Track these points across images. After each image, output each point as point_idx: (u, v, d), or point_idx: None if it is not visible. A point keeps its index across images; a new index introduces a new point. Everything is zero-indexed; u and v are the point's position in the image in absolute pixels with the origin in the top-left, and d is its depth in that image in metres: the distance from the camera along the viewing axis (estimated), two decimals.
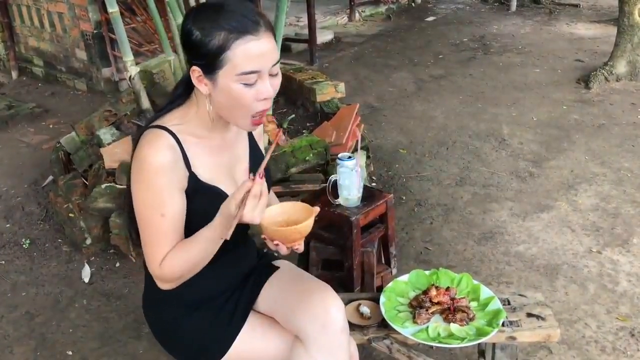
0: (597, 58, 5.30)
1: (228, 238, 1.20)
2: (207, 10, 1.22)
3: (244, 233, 1.56)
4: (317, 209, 1.30)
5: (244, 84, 1.21)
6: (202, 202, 1.32)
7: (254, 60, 1.20)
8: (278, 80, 1.27)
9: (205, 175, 1.33)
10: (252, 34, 1.19)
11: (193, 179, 1.31)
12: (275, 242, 1.27)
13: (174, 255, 1.29)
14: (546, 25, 6.68)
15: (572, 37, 6.15)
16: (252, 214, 1.18)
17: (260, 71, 1.21)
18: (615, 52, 4.79)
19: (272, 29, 1.25)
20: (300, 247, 1.31)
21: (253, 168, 1.45)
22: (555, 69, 5.21)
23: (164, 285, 1.35)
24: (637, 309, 2.35)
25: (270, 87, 1.24)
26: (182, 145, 1.29)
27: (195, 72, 1.23)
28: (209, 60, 1.20)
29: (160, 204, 1.26)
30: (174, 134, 1.28)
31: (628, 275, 2.55)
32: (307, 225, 1.26)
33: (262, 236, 1.30)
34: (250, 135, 1.49)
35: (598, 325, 2.27)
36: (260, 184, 1.19)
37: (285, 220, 1.32)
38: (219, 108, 1.28)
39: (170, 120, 1.31)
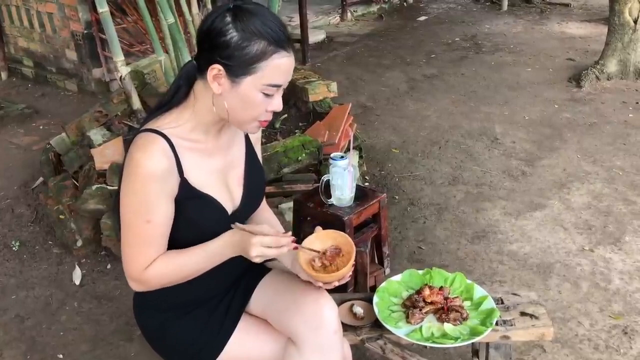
0: (588, 57, 5.32)
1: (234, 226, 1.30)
2: (246, 14, 1.21)
3: None
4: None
5: (265, 94, 1.24)
6: (192, 208, 1.31)
7: (282, 75, 1.24)
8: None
9: (197, 181, 1.32)
10: (286, 49, 1.23)
11: (184, 185, 1.30)
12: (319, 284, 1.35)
13: (166, 262, 1.29)
14: (537, 24, 6.70)
15: (564, 36, 6.17)
16: (257, 244, 1.24)
17: (281, 85, 1.25)
18: (606, 51, 4.81)
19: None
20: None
21: (249, 174, 1.44)
22: (546, 68, 5.22)
23: (138, 287, 1.34)
24: (629, 307, 2.35)
25: (281, 102, 1.27)
26: (175, 150, 1.27)
27: (215, 69, 1.22)
28: (240, 64, 1.20)
29: (147, 210, 1.25)
30: (168, 138, 1.26)
31: (620, 273, 2.56)
32: (350, 266, 1.33)
33: (318, 283, 1.36)
34: (247, 140, 1.47)
35: (591, 323, 2.27)
36: (290, 243, 1.27)
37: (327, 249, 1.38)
38: (228, 108, 1.26)
39: (165, 122, 1.29)
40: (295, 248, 1.30)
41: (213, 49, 1.22)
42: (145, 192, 1.24)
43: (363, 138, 3.84)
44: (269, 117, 1.29)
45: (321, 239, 1.37)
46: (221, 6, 1.24)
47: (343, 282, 1.35)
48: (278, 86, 1.24)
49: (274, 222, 1.57)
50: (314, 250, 1.35)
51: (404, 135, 4.02)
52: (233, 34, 1.19)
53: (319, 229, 1.39)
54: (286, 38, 1.23)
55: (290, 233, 1.30)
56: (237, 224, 1.31)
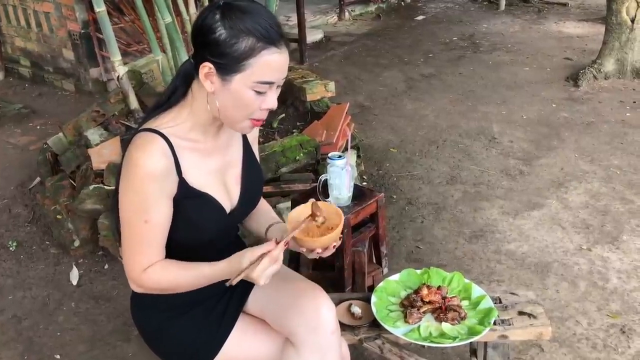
0: (586, 56, 5.33)
1: (233, 284, 1.24)
2: (236, 11, 1.19)
3: (233, 233, 1.54)
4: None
5: (256, 92, 1.22)
6: (190, 208, 1.31)
7: (273, 72, 1.22)
8: (279, 92, 1.28)
9: (196, 181, 1.31)
10: (277, 46, 1.20)
11: (183, 184, 1.29)
12: (303, 249, 1.32)
13: (165, 271, 1.29)
14: (535, 23, 6.70)
15: (561, 35, 6.18)
16: (260, 274, 1.22)
17: (274, 83, 1.23)
18: (604, 51, 4.82)
19: (288, 43, 1.27)
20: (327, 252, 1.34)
21: (247, 173, 1.44)
22: (544, 67, 5.23)
23: (136, 288, 1.35)
24: (627, 306, 2.36)
25: (275, 100, 1.26)
26: (174, 150, 1.27)
27: (206, 67, 1.21)
28: (229, 61, 1.19)
29: (145, 210, 1.25)
30: (167, 138, 1.26)
31: (618, 272, 2.56)
32: (338, 232, 1.30)
33: (302, 248, 1.33)
34: (245, 140, 1.47)
35: (589, 322, 2.28)
36: (281, 250, 1.23)
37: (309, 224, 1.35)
38: (220, 107, 1.26)
39: (163, 122, 1.29)
40: (287, 245, 1.27)
41: (204, 47, 1.22)
42: (144, 192, 1.23)
43: (361, 137, 3.84)
44: (264, 115, 1.27)
45: (309, 207, 1.35)
46: (212, 4, 1.24)
47: (328, 253, 1.32)
48: (269, 83, 1.22)
49: (267, 209, 1.57)
50: (304, 220, 1.32)
51: (402, 134, 4.02)
52: (221, 32, 1.19)
53: (312, 201, 1.36)
54: (278, 34, 1.21)
55: (275, 241, 1.27)
56: (232, 281, 1.25)
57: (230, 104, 1.24)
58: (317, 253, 1.32)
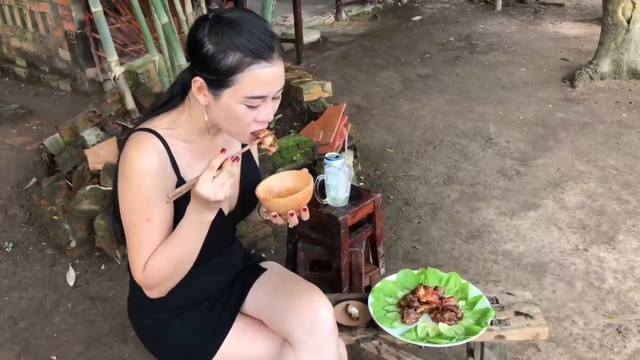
0: (582, 57, 5.34)
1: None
2: (223, 25, 1.17)
3: (231, 234, 1.54)
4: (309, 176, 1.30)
5: (247, 106, 1.20)
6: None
7: (263, 87, 1.19)
8: (277, 102, 1.26)
9: None
10: (267, 60, 1.17)
11: (181, 184, 1.29)
12: (273, 213, 1.26)
13: (156, 256, 1.26)
14: (531, 24, 6.72)
15: (557, 36, 6.19)
16: (202, 185, 1.13)
17: (266, 96, 1.21)
18: (600, 51, 4.83)
19: (283, 54, 1.23)
20: (304, 215, 1.27)
21: (245, 175, 1.43)
22: (540, 67, 5.24)
23: (151, 293, 1.32)
24: (623, 306, 2.36)
25: (271, 112, 1.23)
26: (170, 150, 1.27)
27: (197, 82, 1.20)
28: (217, 77, 1.18)
29: (146, 208, 1.24)
30: (162, 137, 1.26)
31: (614, 272, 2.57)
32: (306, 193, 1.24)
33: (263, 210, 1.29)
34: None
35: (585, 322, 2.28)
36: (221, 158, 1.15)
37: (286, 189, 1.32)
38: (215, 119, 1.25)
39: (160, 123, 1.29)
40: (236, 159, 1.18)
41: (194, 61, 1.21)
42: (141, 191, 1.23)
43: (358, 138, 3.84)
44: (262, 126, 1.24)
45: (280, 177, 1.34)
46: (204, 15, 1.22)
47: (305, 216, 1.27)
48: (260, 97, 1.20)
49: None
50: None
51: (399, 135, 4.02)
52: (209, 47, 1.17)
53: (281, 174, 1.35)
54: (268, 47, 1.17)
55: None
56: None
57: (223, 117, 1.23)
58: (273, 217, 1.26)
